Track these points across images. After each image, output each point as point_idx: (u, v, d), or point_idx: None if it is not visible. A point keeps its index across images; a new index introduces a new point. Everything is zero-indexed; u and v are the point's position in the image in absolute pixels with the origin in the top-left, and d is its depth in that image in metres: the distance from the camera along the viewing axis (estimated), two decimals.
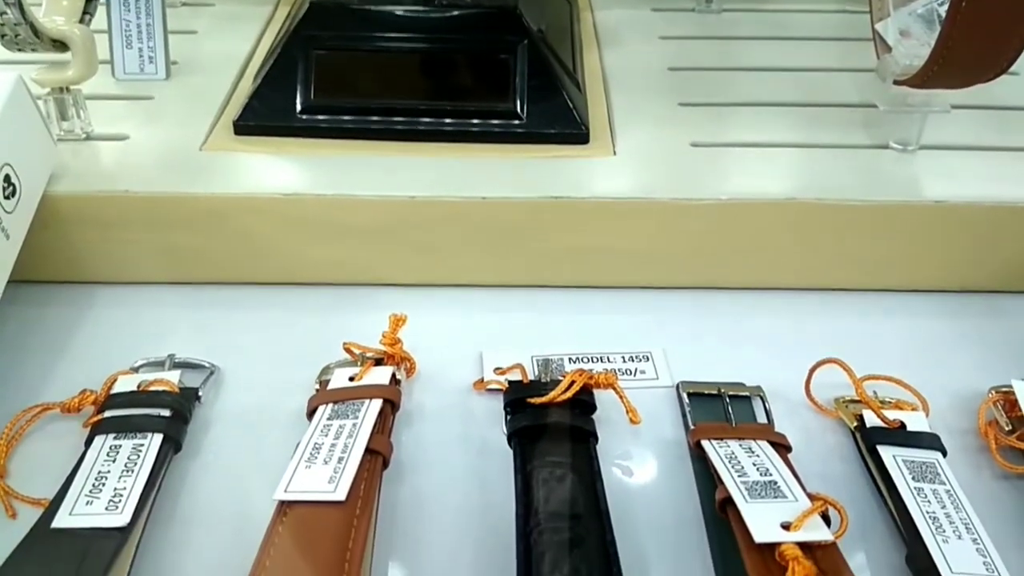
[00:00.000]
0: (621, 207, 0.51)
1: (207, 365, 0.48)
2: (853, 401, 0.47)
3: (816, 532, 0.36)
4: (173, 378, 0.46)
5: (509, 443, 0.44)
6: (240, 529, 0.38)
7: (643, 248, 0.53)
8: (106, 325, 0.52)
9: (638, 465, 0.45)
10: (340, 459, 0.40)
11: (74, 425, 0.45)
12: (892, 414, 0.45)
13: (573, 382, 0.44)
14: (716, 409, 0.46)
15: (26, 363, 0.49)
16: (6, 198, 0.46)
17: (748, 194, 0.51)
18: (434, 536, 0.41)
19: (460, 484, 0.43)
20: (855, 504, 0.42)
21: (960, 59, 0.48)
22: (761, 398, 0.47)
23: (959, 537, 0.38)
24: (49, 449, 0.44)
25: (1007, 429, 0.45)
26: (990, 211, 0.51)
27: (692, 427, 0.45)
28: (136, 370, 0.47)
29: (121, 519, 0.38)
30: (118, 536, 0.37)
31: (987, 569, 0.37)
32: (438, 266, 0.54)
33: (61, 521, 0.37)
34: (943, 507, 0.40)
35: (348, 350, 0.47)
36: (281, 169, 0.53)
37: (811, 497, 0.38)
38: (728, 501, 0.39)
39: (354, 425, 0.42)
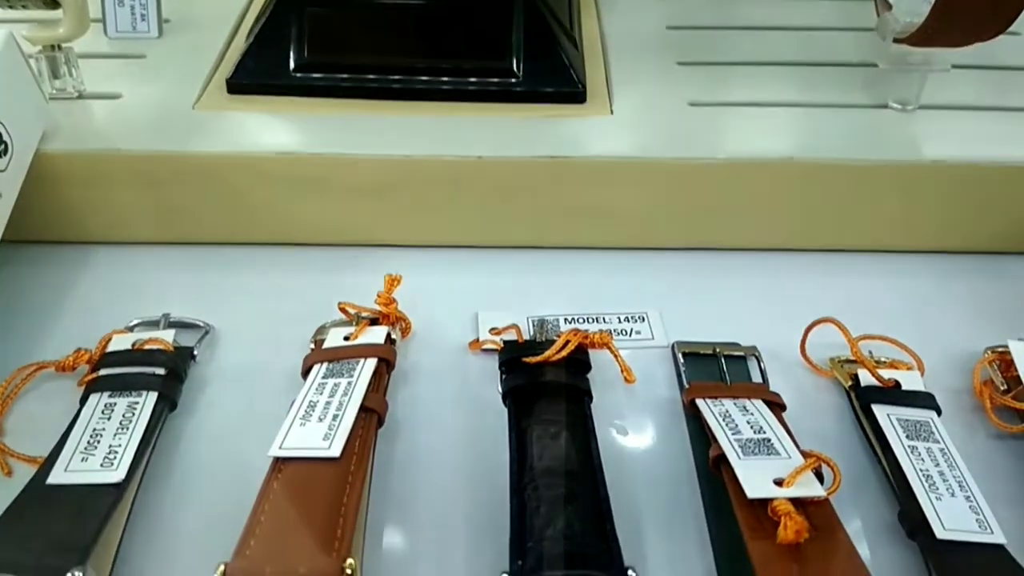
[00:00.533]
0: (618, 167, 0.51)
1: (202, 324, 0.48)
2: (848, 361, 0.47)
3: (809, 488, 0.36)
4: (168, 337, 0.46)
5: (504, 402, 0.44)
6: (235, 486, 0.38)
7: (640, 208, 0.52)
8: (101, 285, 0.52)
9: (633, 424, 0.45)
10: (335, 416, 0.40)
11: (69, 384, 0.45)
12: (887, 373, 0.45)
13: (568, 342, 0.44)
14: (711, 369, 0.46)
15: (20, 323, 0.49)
16: None
17: (746, 154, 0.51)
18: (429, 492, 0.41)
19: (455, 442, 0.44)
20: (849, 463, 0.42)
21: (960, 17, 0.47)
22: (756, 358, 0.47)
23: (952, 495, 0.39)
24: (44, 408, 0.44)
25: (1002, 389, 0.45)
26: (989, 171, 0.51)
27: (687, 386, 0.45)
28: (131, 329, 0.47)
29: (116, 475, 0.38)
30: (113, 492, 0.37)
31: (980, 526, 0.37)
32: (433, 226, 0.53)
33: (56, 478, 0.38)
34: (936, 465, 0.40)
35: (343, 310, 0.47)
36: (275, 128, 0.53)
37: (804, 454, 0.38)
38: (721, 458, 0.39)
39: (349, 383, 0.42)
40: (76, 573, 0.33)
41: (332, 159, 0.50)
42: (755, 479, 0.37)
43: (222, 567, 0.33)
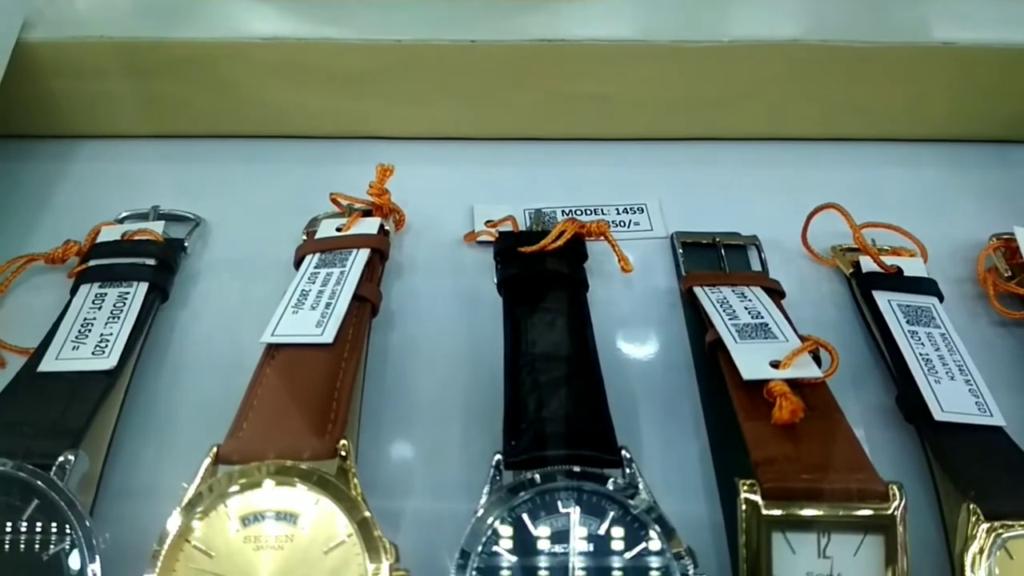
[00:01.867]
0: (617, 51, 0.49)
1: (192, 217, 0.47)
2: (850, 249, 0.46)
3: (805, 370, 0.36)
4: (157, 228, 0.45)
5: (499, 292, 0.43)
6: (229, 376, 0.38)
7: (640, 95, 0.51)
8: (89, 179, 0.51)
9: (629, 313, 0.44)
10: (328, 305, 0.39)
11: (59, 277, 0.44)
12: (889, 260, 0.44)
13: (563, 231, 0.43)
14: (710, 258, 0.46)
15: (8, 218, 0.48)
16: None
17: (751, 36, 0.49)
18: (423, 381, 0.41)
19: (450, 332, 0.43)
20: (848, 350, 0.42)
21: None
22: (756, 247, 0.46)
23: (952, 378, 0.38)
24: (34, 300, 0.44)
25: (1006, 275, 0.45)
26: (1001, 54, 0.49)
27: (684, 275, 0.44)
28: (120, 222, 0.46)
29: (108, 363, 0.37)
30: (105, 379, 0.37)
31: (979, 409, 0.37)
32: (426, 117, 0.52)
33: (47, 365, 0.37)
34: (937, 349, 0.39)
35: (335, 201, 0.46)
36: (261, 13, 0.50)
37: (802, 338, 0.38)
38: (718, 343, 0.38)
39: (342, 273, 0.41)
40: (68, 457, 0.33)
41: (321, 45, 0.49)
42: (751, 361, 0.36)
43: (215, 449, 0.33)
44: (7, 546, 0.31)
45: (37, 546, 0.31)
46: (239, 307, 0.44)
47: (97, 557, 0.31)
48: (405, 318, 0.44)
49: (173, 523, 0.31)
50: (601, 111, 0.52)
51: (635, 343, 0.43)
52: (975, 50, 0.49)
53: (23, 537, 0.31)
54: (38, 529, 0.31)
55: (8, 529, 0.31)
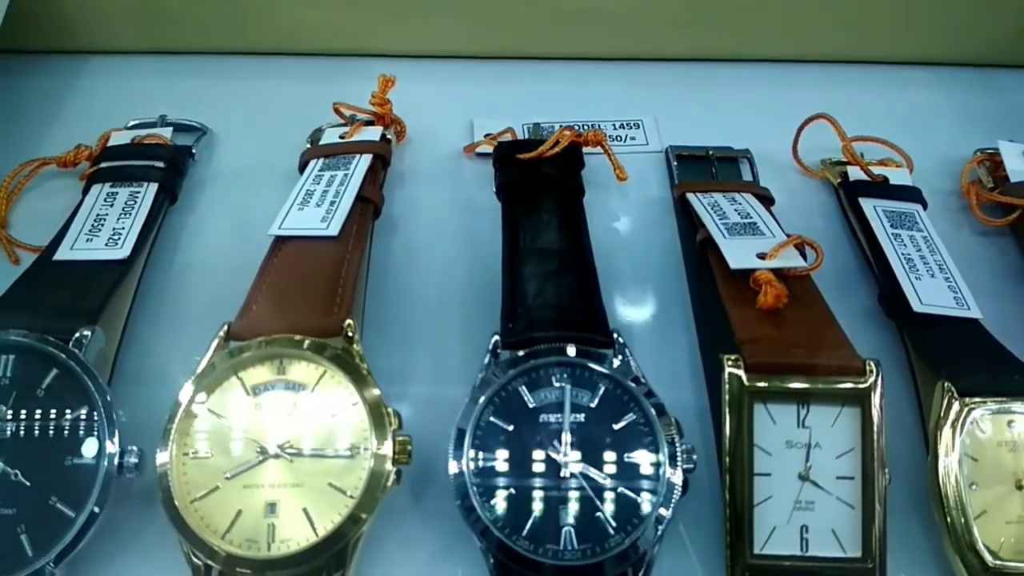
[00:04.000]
0: None
1: (198, 126, 0.48)
2: (839, 162, 0.47)
3: (791, 261, 0.38)
4: (166, 134, 0.46)
5: (497, 197, 0.44)
6: (236, 275, 0.39)
7: (637, 11, 0.52)
8: (97, 94, 0.52)
9: (624, 220, 0.46)
10: (332, 203, 0.41)
11: (71, 182, 0.45)
12: (876, 171, 0.45)
13: (560, 139, 0.44)
14: (703, 170, 0.47)
15: (19, 130, 0.49)
16: None
17: None
18: (426, 279, 0.43)
19: (450, 237, 0.45)
20: (834, 256, 0.43)
21: None
22: (748, 160, 0.48)
23: (932, 276, 0.40)
24: (47, 204, 0.45)
25: (989, 186, 0.46)
26: None
27: (677, 184, 0.46)
28: (130, 129, 0.48)
29: (121, 253, 0.39)
30: (119, 268, 0.38)
31: (957, 303, 0.38)
32: (427, 33, 0.53)
33: (63, 255, 0.39)
34: (919, 250, 0.41)
35: (337, 111, 0.47)
36: None
37: (789, 236, 0.39)
38: (708, 242, 0.40)
39: (345, 175, 0.43)
40: (85, 332, 0.34)
41: None
42: (739, 254, 0.38)
43: (226, 326, 0.35)
44: (28, 416, 0.33)
45: (54, 416, 0.33)
46: (245, 212, 0.45)
47: (117, 431, 0.33)
48: (407, 225, 0.45)
49: (186, 392, 0.33)
50: (600, 28, 0.52)
51: (629, 248, 0.44)
52: None
53: (43, 407, 0.33)
54: (58, 400, 0.33)
55: (29, 399, 0.33)
